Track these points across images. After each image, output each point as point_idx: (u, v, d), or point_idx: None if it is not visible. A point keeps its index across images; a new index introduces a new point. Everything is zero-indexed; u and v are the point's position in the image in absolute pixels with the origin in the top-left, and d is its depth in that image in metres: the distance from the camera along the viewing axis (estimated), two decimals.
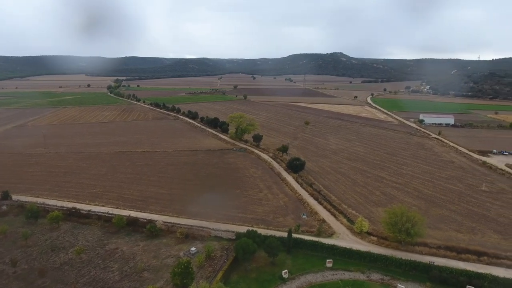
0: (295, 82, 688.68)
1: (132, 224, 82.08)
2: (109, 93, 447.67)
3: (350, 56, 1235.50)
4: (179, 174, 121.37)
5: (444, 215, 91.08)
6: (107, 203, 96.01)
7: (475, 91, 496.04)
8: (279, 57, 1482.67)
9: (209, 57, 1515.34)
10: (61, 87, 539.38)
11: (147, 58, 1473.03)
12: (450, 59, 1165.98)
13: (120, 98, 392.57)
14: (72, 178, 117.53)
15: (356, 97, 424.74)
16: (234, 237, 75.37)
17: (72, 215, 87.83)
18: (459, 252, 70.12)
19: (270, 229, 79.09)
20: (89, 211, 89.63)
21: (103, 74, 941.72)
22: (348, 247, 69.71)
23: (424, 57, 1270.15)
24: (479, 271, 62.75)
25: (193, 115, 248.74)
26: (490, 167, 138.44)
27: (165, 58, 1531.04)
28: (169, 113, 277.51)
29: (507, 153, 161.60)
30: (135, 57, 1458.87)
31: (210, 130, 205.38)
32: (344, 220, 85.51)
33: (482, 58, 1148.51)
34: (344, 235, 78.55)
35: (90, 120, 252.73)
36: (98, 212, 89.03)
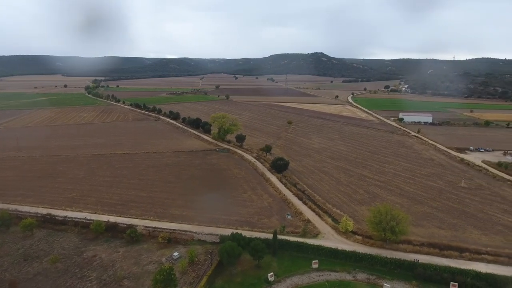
0: (277, 82, 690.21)
1: (111, 230, 78.87)
2: (87, 94, 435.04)
3: (331, 56, 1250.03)
4: (160, 177, 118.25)
5: (426, 212, 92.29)
6: (84, 208, 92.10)
7: (450, 90, 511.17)
8: (260, 57, 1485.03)
9: (190, 57, 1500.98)
10: (36, 87, 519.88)
11: (126, 58, 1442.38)
12: (427, 59, 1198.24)
13: (99, 99, 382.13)
14: (48, 183, 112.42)
15: (337, 96, 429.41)
16: (218, 240, 73.57)
17: (47, 221, 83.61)
18: (442, 249, 70.91)
19: (255, 231, 77.74)
20: (65, 217, 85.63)
21: (80, 74, 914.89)
22: (333, 247, 69.24)
23: (401, 57, 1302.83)
24: (462, 267, 63.59)
25: (174, 116, 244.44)
26: (468, 163, 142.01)
27: (145, 58, 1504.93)
28: (150, 113, 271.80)
29: (483, 150, 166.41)
30: (114, 57, 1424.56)
31: (192, 130, 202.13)
32: (329, 220, 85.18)
33: (457, 58, 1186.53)
34: (329, 235, 78.13)
35: (67, 121, 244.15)
36: (75, 218, 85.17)
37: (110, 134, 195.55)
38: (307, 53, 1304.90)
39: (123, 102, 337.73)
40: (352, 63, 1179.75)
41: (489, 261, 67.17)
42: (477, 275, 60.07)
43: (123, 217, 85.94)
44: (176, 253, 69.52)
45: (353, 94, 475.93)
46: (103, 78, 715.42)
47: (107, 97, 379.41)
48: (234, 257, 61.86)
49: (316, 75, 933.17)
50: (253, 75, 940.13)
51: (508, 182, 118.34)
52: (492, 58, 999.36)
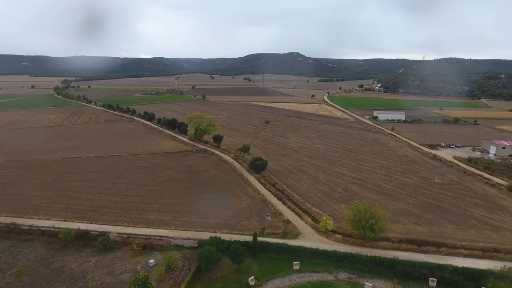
0: (254, 82, 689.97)
1: (82, 238, 74.49)
2: (56, 95, 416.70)
3: (306, 56, 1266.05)
4: (135, 180, 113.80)
5: (403, 208, 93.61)
6: (52, 215, 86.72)
7: (421, 88, 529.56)
8: (237, 57, 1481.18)
9: (165, 56, 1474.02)
10: (0, 88, 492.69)
11: (98, 57, 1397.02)
12: (398, 59, 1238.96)
13: (69, 100, 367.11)
14: (12, 190, 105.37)
15: (313, 95, 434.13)
16: (196, 245, 71.07)
17: (11, 231, 77.95)
18: (419, 245, 71.79)
19: (234, 234, 75.79)
20: (31, 226, 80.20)
21: (49, 75, 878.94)
22: (314, 248, 68.45)
23: (374, 57, 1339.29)
24: (440, 262, 64.47)
25: (149, 117, 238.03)
26: (440, 159, 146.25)
27: (118, 58, 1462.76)
28: (124, 115, 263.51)
29: (453, 146, 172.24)
30: (85, 56, 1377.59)
31: (168, 131, 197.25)
32: (309, 220, 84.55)
33: (426, 58, 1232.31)
34: (309, 235, 77.42)
35: (34, 124, 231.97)
36: (42, 226, 79.88)
37: (81, 137, 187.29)
38: (283, 53, 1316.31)
39: (95, 103, 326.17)
40: (327, 63, 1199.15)
41: (464, 255, 68.57)
42: (455, 269, 61.02)
43: (94, 224, 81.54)
44: (152, 260, 66.43)
45: (328, 93, 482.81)
46: (73, 79, 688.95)
47: (78, 98, 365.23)
48: (213, 262, 59.70)
49: (292, 75, 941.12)
50: (229, 75, 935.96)
51: (478, 177, 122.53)
52: (458, 58, 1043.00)
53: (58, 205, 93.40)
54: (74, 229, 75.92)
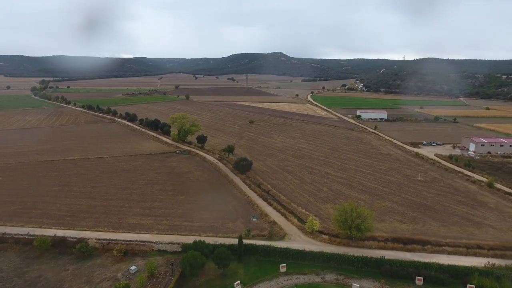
0: (237, 82, 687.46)
1: (59, 245, 70.89)
2: (33, 96, 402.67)
3: (290, 56, 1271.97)
4: (115, 183, 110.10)
5: (388, 207, 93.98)
6: (28, 222, 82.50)
7: (402, 88, 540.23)
8: (220, 57, 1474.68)
9: (148, 56, 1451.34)
10: None
11: (78, 57, 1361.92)
12: (379, 59, 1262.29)
13: (47, 100, 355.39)
14: None
15: (297, 95, 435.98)
16: (180, 249, 68.82)
17: None
18: (405, 243, 71.87)
19: (219, 237, 73.94)
20: (4, 233, 75.80)
21: (26, 75, 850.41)
22: (301, 249, 67.34)
23: (356, 57, 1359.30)
24: (426, 260, 64.56)
25: (131, 118, 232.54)
26: (422, 157, 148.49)
27: (99, 58, 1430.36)
28: (104, 116, 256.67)
29: (434, 144, 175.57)
30: (64, 56, 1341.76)
31: (150, 132, 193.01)
32: (295, 220, 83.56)
33: (406, 58, 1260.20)
34: (296, 236, 76.38)
35: (9, 126, 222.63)
36: (16, 234, 75.68)
37: (59, 139, 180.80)
38: (266, 52, 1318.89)
39: (74, 104, 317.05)
40: (310, 62, 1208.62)
41: (449, 253, 69.02)
42: (440, 267, 61.16)
43: (72, 230, 77.93)
44: (133, 267, 63.77)
45: (312, 92, 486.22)
46: (51, 79, 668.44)
47: (56, 98, 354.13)
48: (197, 267, 57.66)
49: (276, 75, 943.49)
50: (213, 75, 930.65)
51: (459, 174, 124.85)
52: (437, 58, 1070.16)
53: (33, 211, 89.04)
54: (50, 236, 72.25)
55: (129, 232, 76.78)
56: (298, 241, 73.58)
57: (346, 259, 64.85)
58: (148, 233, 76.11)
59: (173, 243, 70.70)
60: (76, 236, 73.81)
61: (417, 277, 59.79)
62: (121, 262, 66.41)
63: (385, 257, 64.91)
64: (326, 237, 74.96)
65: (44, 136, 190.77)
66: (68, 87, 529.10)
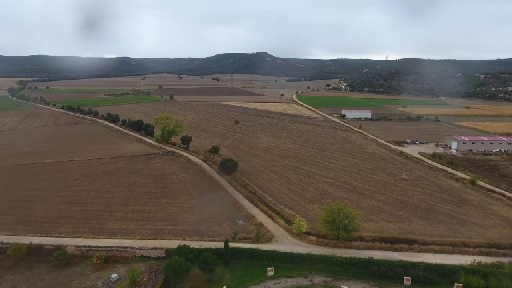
0: (222, 82, 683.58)
1: (35, 253, 67.35)
2: (10, 97, 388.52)
3: (275, 56, 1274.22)
4: (96, 186, 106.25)
5: (374, 206, 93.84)
6: (1, 229, 78.10)
7: (385, 87, 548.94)
8: (205, 57, 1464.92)
9: (131, 56, 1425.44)
10: None
11: (58, 57, 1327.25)
12: (362, 59, 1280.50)
13: (25, 101, 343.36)
14: None
15: (282, 95, 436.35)
16: (164, 255, 66.46)
17: None
18: (392, 243, 71.62)
19: (205, 240, 71.86)
20: None
21: (3, 75, 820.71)
22: (288, 252, 66.02)
23: (340, 58, 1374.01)
24: (413, 259, 64.37)
25: (113, 118, 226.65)
26: (407, 156, 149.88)
27: (80, 57, 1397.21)
28: (85, 117, 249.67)
29: (418, 142, 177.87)
30: (43, 55, 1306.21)
31: (133, 134, 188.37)
32: (282, 222, 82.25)
33: (389, 58, 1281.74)
34: (283, 238, 75.04)
35: None
36: None
37: (38, 141, 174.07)
38: (251, 52, 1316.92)
39: (54, 105, 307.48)
40: (295, 62, 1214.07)
41: (436, 251, 69.11)
42: (428, 266, 61.02)
43: (50, 237, 74.22)
44: (114, 275, 60.98)
45: (297, 92, 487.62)
46: (30, 79, 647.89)
47: (35, 99, 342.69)
48: (182, 274, 55.50)
49: (261, 75, 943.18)
50: (198, 75, 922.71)
51: (443, 172, 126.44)
52: (418, 59, 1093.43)
53: (8, 218, 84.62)
54: (25, 244, 68.54)
55: (110, 238, 73.70)
56: (285, 243, 72.25)
57: (334, 261, 63.92)
58: (130, 239, 73.27)
59: (156, 249, 68.18)
60: (54, 244, 70.21)
61: (405, 277, 59.41)
62: (102, 269, 63.48)
63: (373, 258, 64.35)
64: (314, 238, 73.93)
65: (21, 138, 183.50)
66: (48, 87, 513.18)
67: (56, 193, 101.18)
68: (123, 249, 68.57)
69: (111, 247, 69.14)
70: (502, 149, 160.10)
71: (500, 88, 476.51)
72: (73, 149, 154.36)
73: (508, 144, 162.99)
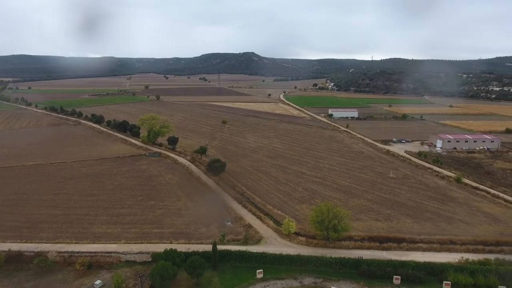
0: (209, 82, 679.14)
1: (14, 261, 64.53)
2: None
3: (262, 56, 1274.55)
4: (79, 189, 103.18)
5: (363, 205, 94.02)
6: None
7: (370, 87, 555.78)
8: (191, 57, 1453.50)
9: (116, 55, 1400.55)
10: None
11: (40, 56, 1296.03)
12: (348, 59, 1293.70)
13: (5, 102, 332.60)
14: None
15: (269, 94, 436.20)
16: (150, 259, 64.71)
17: None
18: (381, 242, 71.67)
19: (192, 243, 70.37)
20: None
21: None
22: (278, 253, 65.22)
23: (326, 57, 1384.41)
24: (402, 258, 64.50)
25: (97, 119, 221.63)
26: (393, 154, 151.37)
27: (63, 57, 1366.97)
28: (69, 117, 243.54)
29: (404, 141, 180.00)
30: (25, 55, 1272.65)
31: (118, 135, 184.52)
32: (271, 222, 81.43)
33: (374, 58, 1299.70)
34: (272, 239, 74.20)
35: None
36: None
37: (19, 143, 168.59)
38: (238, 52, 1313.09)
39: (36, 106, 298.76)
40: (282, 62, 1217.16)
41: (424, 249, 69.48)
42: (417, 265, 61.19)
43: (30, 243, 71.33)
44: (98, 281, 58.91)
45: (284, 92, 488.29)
46: (11, 79, 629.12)
47: (16, 100, 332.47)
48: (168, 279, 53.97)
49: (248, 74, 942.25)
50: (184, 75, 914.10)
51: (429, 170, 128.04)
52: (402, 58, 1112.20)
53: None
54: (4, 251, 65.63)
55: (94, 243, 71.36)
56: (274, 245, 71.43)
57: (323, 261, 63.46)
58: (115, 243, 71.08)
59: (142, 253, 66.32)
60: (34, 250, 67.48)
61: (394, 276, 59.41)
62: (85, 276, 61.29)
63: (363, 257, 64.15)
64: (303, 239, 73.35)
65: (0, 140, 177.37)
66: (30, 88, 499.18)
67: (38, 196, 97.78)
68: (107, 254, 66.41)
69: (95, 252, 66.89)
70: (485, 147, 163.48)
71: (482, 88, 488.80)
72: (56, 151, 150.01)
73: (491, 142, 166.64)
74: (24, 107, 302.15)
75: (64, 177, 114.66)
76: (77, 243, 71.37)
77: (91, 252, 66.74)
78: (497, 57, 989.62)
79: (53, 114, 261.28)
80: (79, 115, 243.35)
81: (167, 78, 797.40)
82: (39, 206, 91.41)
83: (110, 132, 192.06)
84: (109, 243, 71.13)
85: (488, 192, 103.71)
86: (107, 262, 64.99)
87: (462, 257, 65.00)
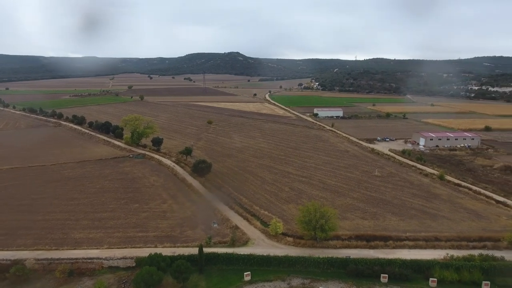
0: (194, 82, 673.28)
1: None
2: None
3: (247, 55, 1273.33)
4: (60, 193, 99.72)
5: (349, 204, 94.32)
6: None
7: (354, 86, 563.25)
8: (176, 57, 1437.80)
9: (98, 55, 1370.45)
10: None
11: (18, 56, 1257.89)
12: (332, 59, 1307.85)
13: None
14: None
15: (255, 94, 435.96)
16: (134, 264, 62.77)
17: None
18: (368, 240, 71.80)
19: (178, 247, 68.76)
20: None
21: None
22: (265, 254, 64.39)
23: (310, 57, 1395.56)
24: (389, 256, 64.69)
25: (79, 120, 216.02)
26: (378, 153, 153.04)
27: (43, 57, 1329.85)
28: (49, 119, 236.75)
29: (388, 139, 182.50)
30: (2, 55, 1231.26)
31: (101, 136, 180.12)
32: (258, 223, 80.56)
33: (358, 58, 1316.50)
34: (259, 240, 73.36)
35: None
36: None
37: None
38: (223, 52, 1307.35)
39: (14, 107, 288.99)
40: (267, 62, 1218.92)
41: (410, 247, 69.97)
42: (404, 263, 61.44)
43: (6, 251, 68.03)
44: None
45: (270, 92, 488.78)
46: None
47: None
48: (153, 284, 52.31)
49: (233, 74, 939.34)
50: (169, 75, 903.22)
51: (413, 168, 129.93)
52: (384, 58, 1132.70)
53: None
54: None
55: (75, 249, 68.71)
56: (262, 246, 70.61)
57: (311, 262, 63.02)
58: (97, 248, 68.67)
59: (126, 258, 64.28)
60: (11, 258, 64.35)
61: (382, 274, 59.48)
62: (65, 284, 58.87)
63: (351, 257, 64.05)
64: (291, 239, 72.79)
65: None
66: (7, 88, 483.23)
67: (15, 201, 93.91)
68: (89, 260, 64.04)
69: (76, 258, 64.35)
70: (466, 145, 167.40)
71: (462, 86, 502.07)
72: (35, 154, 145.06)
73: (471, 139, 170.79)
74: (1, 108, 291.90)
75: (44, 181, 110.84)
76: (57, 249, 68.56)
77: (72, 259, 64.18)
78: (475, 57, 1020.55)
79: (32, 115, 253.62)
80: (60, 116, 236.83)
81: (151, 78, 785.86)
82: (17, 211, 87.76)
83: (92, 133, 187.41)
84: (91, 249, 68.65)
85: (470, 189, 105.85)
86: (89, 268, 62.66)
87: (447, 254, 65.78)
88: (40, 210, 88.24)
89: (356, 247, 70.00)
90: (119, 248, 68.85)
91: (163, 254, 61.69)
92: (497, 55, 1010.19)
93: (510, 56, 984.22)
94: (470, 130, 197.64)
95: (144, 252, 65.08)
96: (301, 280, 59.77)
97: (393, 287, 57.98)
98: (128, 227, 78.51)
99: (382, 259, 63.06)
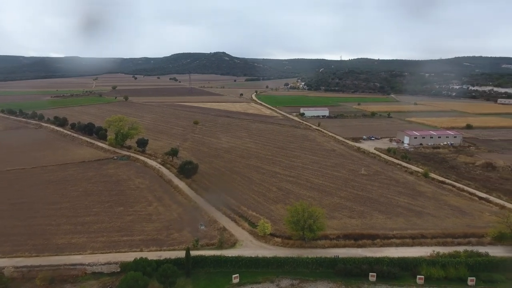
0: (180, 82, 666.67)
1: None
2: None
3: (233, 55, 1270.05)
4: (40, 198, 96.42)
5: (336, 203, 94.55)
6: None
7: (340, 86, 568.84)
8: (161, 57, 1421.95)
9: (81, 55, 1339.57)
10: None
11: None
12: (317, 59, 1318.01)
13: None
14: None
15: (241, 94, 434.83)
16: (119, 269, 60.97)
17: None
18: (356, 239, 71.98)
19: (164, 250, 67.28)
20: None
21: None
22: (253, 256, 63.61)
23: (296, 57, 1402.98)
24: (377, 255, 64.96)
25: (61, 122, 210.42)
26: (364, 152, 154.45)
27: (22, 57, 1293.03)
28: (29, 121, 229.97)
29: (373, 138, 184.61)
30: None
31: (83, 138, 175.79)
32: (246, 224, 79.74)
33: (343, 58, 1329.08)
34: (247, 241, 72.56)
35: None
36: None
37: None
38: (209, 52, 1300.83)
39: None
40: (253, 62, 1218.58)
41: (397, 245, 70.46)
42: (391, 261, 61.80)
43: None
44: None
45: (256, 92, 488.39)
46: None
47: None
48: None
49: (219, 74, 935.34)
50: (154, 75, 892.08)
51: (398, 166, 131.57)
52: (369, 59, 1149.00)
53: None
54: None
55: (56, 255, 66.26)
56: (250, 247, 69.84)
57: (300, 262, 62.66)
58: (80, 254, 66.48)
59: (110, 263, 62.35)
60: None
61: (370, 273, 59.60)
62: None
63: (339, 256, 63.98)
64: (279, 240, 72.30)
65: None
66: None
67: None
68: (71, 267, 61.86)
69: (58, 265, 62.04)
70: (448, 142, 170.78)
71: (443, 86, 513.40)
72: (14, 157, 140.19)
73: (454, 137, 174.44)
74: None
75: (23, 185, 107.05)
76: (37, 256, 66.00)
77: (53, 265, 61.85)
78: (455, 57, 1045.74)
79: (11, 117, 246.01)
80: (40, 117, 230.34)
81: (136, 78, 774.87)
82: None
83: (75, 135, 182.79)
84: (73, 255, 66.37)
85: (454, 186, 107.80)
86: (71, 275, 60.48)
87: (434, 251, 66.51)
88: (20, 216, 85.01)
89: (344, 246, 70.08)
90: (103, 253, 66.85)
91: (149, 258, 60.19)
92: (476, 55, 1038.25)
93: (489, 56, 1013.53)
94: (452, 128, 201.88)
95: (129, 256, 63.32)
96: (290, 281, 59.29)
97: (381, 285, 58.18)
98: (112, 231, 76.43)
99: (370, 257, 63.26)
